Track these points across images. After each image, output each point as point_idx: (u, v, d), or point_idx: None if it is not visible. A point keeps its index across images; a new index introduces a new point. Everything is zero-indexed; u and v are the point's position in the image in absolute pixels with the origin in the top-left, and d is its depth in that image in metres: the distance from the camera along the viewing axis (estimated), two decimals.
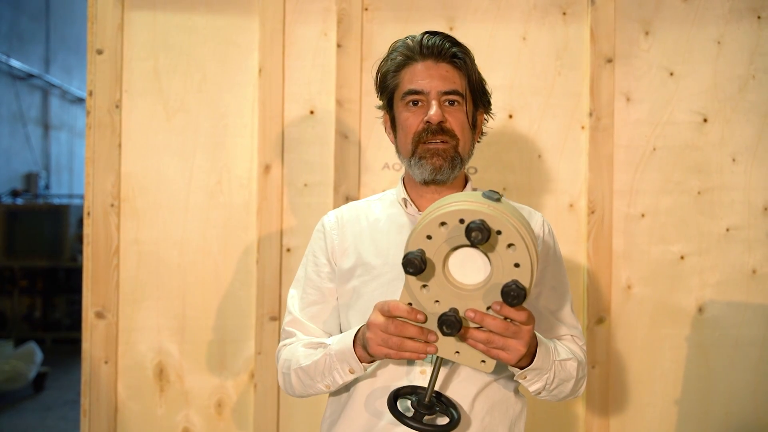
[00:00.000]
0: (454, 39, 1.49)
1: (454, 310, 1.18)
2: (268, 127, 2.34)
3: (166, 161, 2.35)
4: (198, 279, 2.35)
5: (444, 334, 1.17)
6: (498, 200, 1.17)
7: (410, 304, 1.21)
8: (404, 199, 1.52)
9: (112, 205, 2.32)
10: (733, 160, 2.34)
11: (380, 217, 1.54)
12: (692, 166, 2.34)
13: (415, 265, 1.13)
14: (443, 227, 1.15)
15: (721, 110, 2.34)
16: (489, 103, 1.56)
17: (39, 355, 5.81)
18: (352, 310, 1.49)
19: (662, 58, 2.34)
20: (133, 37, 2.35)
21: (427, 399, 1.28)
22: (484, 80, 1.54)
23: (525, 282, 1.15)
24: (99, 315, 2.31)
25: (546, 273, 1.54)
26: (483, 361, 1.25)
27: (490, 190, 1.19)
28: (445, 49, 1.46)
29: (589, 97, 2.33)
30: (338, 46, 2.35)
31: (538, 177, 2.36)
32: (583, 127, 2.35)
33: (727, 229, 2.33)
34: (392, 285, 1.44)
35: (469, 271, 1.18)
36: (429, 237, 1.16)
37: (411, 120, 1.45)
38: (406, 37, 1.51)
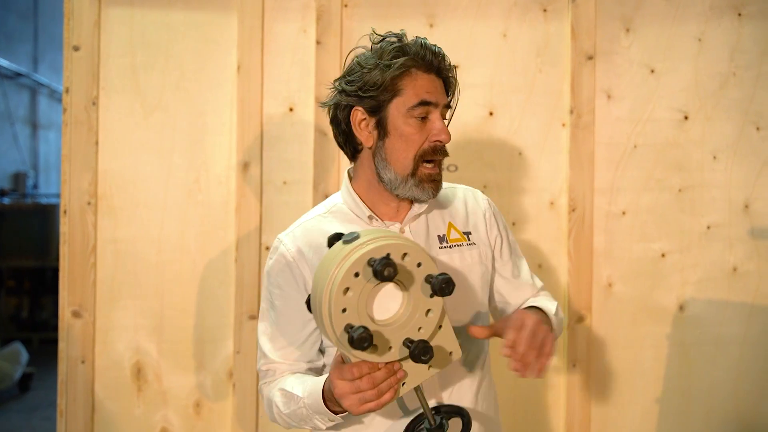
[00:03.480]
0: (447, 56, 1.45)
1: (409, 341, 1.16)
2: (246, 125, 2.32)
3: (144, 159, 2.33)
4: (176, 278, 2.32)
5: (422, 362, 1.15)
6: (355, 238, 1.15)
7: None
8: (370, 216, 1.45)
9: (89, 203, 2.30)
10: (714, 157, 2.33)
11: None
12: (673, 163, 2.33)
13: (368, 339, 1.11)
14: (357, 278, 1.13)
15: (702, 108, 2.33)
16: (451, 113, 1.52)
17: (25, 356, 5.77)
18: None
19: (643, 55, 2.33)
20: (110, 33, 2.32)
21: (433, 422, 1.27)
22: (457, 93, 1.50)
23: (432, 270, 1.16)
24: (75, 314, 2.28)
25: (503, 245, 1.56)
26: (450, 353, 1.25)
27: (348, 234, 1.17)
28: (445, 68, 1.43)
29: (570, 94, 2.32)
30: (317, 42, 2.33)
31: (518, 175, 2.34)
32: (563, 125, 2.34)
33: (708, 227, 2.32)
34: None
35: (388, 304, 1.17)
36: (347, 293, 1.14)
37: (417, 136, 1.38)
38: (397, 38, 1.45)
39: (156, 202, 2.32)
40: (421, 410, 1.29)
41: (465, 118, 2.33)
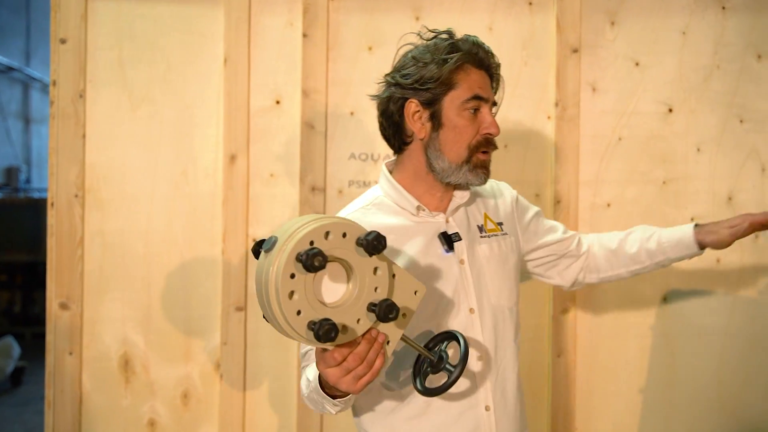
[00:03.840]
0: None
1: (372, 304, 1.18)
2: (233, 118, 2.33)
3: (131, 151, 2.33)
4: (163, 269, 2.33)
5: (391, 320, 1.17)
6: (275, 243, 1.15)
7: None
8: (418, 207, 1.51)
9: (76, 196, 2.30)
10: (698, 149, 2.35)
11: (391, 225, 1.51)
12: (657, 155, 2.35)
13: (333, 328, 1.12)
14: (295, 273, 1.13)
15: (686, 100, 2.35)
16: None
17: (17, 350, 5.77)
18: None
19: (628, 49, 2.35)
20: (97, 26, 2.33)
21: (432, 357, 1.33)
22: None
23: (359, 233, 1.18)
24: (63, 306, 2.29)
25: (539, 219, 1.74)
26: (416, 292, 1.26)
27: (267, 241, 1.17)
28: (494, 66, 1.53)
29: (555, 87, 2.34)
30: (304, 35, 2.34)
31: (504, 167, 2.35)
32: (549, 117, 2.35)
33: (692, 219, 2.34)
34: (438, 286, 1.49)
35: (337, 282, 1.19)
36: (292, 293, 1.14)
37: (470, 128, 1.48)
38: (448, 33, 1.51)
39: (143, 194, 2.33)
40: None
41: None
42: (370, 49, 2.36)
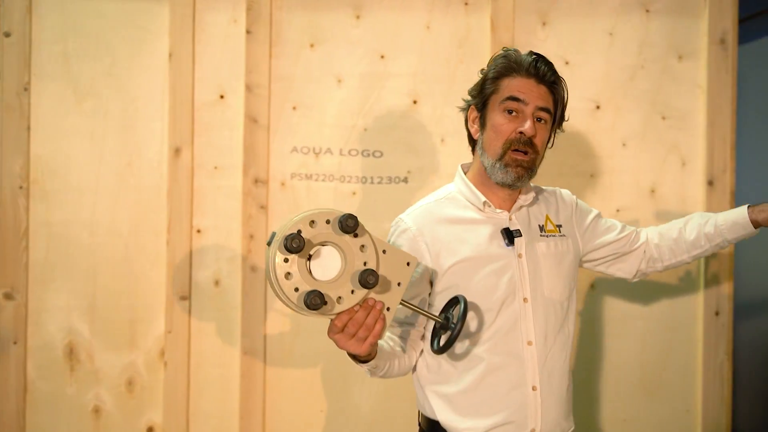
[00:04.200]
0: (555, 68, 1.70)
1: (359, 272, 1.36)
2: (178, 111, 2.39)
3: (76, 144, 2.38)
4: (108, 260, 2.38)
5: (370, 286, 1.36)
6: (274, 235, 1.36)
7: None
8: (485, 202, 1.70)
9: (21, 188, 2.34)
10: (624, 144, 2.47)
11: (461, 217, 1.70)
12: (586, 150, 2.47)
13: (318, 296, 1.31)
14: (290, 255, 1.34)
15: (612, 98, 2.47)
16: (562, 122, 1.79)
17: None
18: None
19: (558, 48, 2.46)
20: (42, 20, 2.36)
21: (439, 319, 1.53)
22: (566, 105, 1.76)
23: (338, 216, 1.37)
24: (7, 296, 2.33)
25: (598, 219, 1.90)
26: (408, 263, 1.45)
27: (270, 236, 1.38)
28: (548, 75, 1.67)
29: None
30: (247, 32, 2.40)
31: (441, 161, 2.46)
32: None
33: (618, 210, 2.46)
34: (497, 276, 1.66)
35: (333, 263, 1.38)
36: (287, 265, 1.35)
37: (505, 127, 1.64)
38: (508, 50, 1.70)
39: (88, 186, 2.38)
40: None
41: (390, 106, 2.44)
42: (311, 46, 2.44)
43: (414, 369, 1.73)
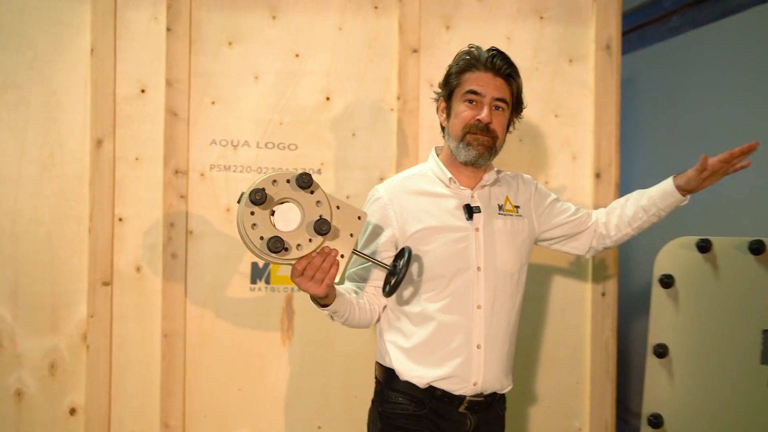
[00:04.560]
0: (511, 60, 1.92)
1: (315, 221, 1.59)
2: (100, 104, 2.49)
3: None
4: (30, 247, 2.46)
5: (324, 232, 1.58)
6: (242, 195, 1.59)
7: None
8: (450, 179, 1.94)
9: None
10: (520, 140, 2.69)
11: (428, 191, 1.95)
12: None
13: (278, 241, 1.54)
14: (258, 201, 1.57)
15: None
16: (521, 110, 2.00)
17: None
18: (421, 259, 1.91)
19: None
20: None
21: (386, 266, 1.79)
22: (522, 94, 1.98)
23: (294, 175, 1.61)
24: None
25: (555, 202, 2.12)
26: (359, 217, 1.69)
27: (240, 195, 1.61)
28: (503, 69, 1.90)
29: (398, 82, 2.63)
30: (168, 29, 2.52)
31: (352, 153, 2.63)
32: (392, 109, 2.64)
33: None
34: (456, 244, 1.89)
35: (294, 217, 1.62)
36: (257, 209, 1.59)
37: (466, 114, 1.89)
38: (471, 47, 1.93)
39: (9, 176, 2.46)
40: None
41: (304, 102, 2.60)
42: (230, 44, 2.57)
43: (378, 322, 1.97)
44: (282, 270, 2.59)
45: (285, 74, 2.60)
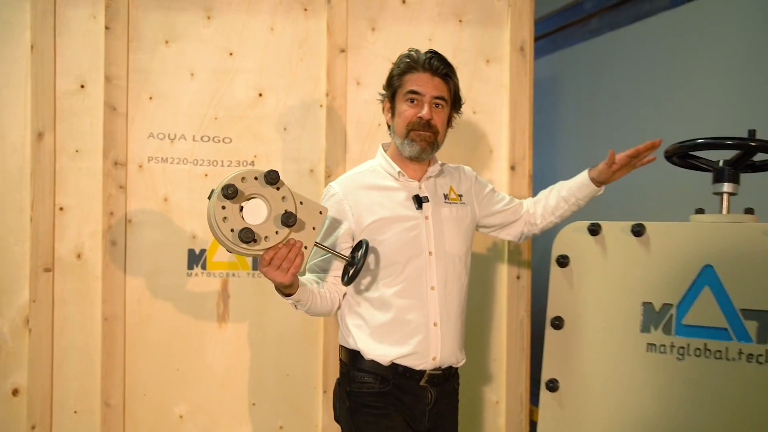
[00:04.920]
0: (448, 61, 2.12)
1: (281, 215, 1.74)
2: (41, 99, 2.60)
3: None
4: None
5: (290, 224, 1.74)
6: (213, 191, 1.75)
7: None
8: (399, 172, 2.12)
9: None
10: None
11: (379, 185, 2.13)
12: None
13: (249, 233, 1.69)
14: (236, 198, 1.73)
15: None
16: (461, 107, 2.20)
17: None
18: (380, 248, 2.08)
19: (385, 50, 2.86)
20: None
21: (345, 257, 1.96)
22: (460, 92, 2.18)
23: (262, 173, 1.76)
24: None
25: (493, 193, 2.33)
26: (320, 212, 1.85)
27: (211, 191, 1.76)
28: (440, 69, 2.08)
29: (326, 80, 2.80)
30: (107, 28, 2.65)
31: (284, 147, 2.80)
32: (321, 106, 2.82)
33: None
34: (408, 232, 2.08)
35: (261, 212, 1.76)
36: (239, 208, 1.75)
37: (408, 112, 2.07)
38: (411, 50, 2.11)
39: None
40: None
41: (238, 98, 2.76)
42: (166, 42, 2.71)
43: (339, 308, 2.13)
44: (218, 256, 2.75)
45: (219, 72, 2.75)
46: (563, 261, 2.12)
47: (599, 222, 2.08)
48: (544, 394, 2.12)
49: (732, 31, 3.63)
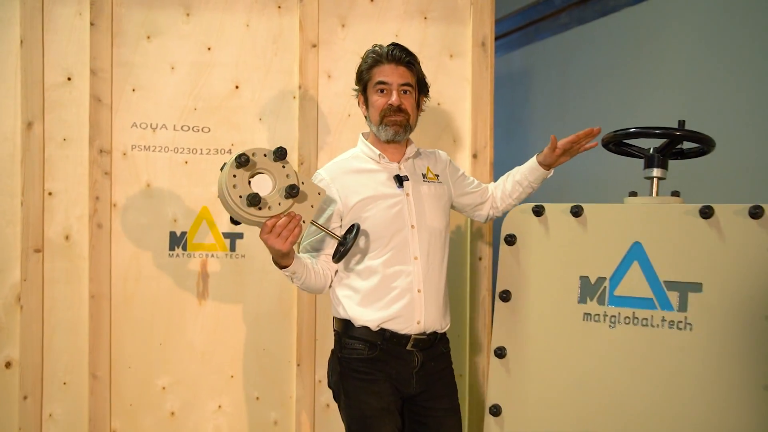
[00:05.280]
0: (409, 50, 2.34)
1: (285, 187, 1.98)
2: (30, 91, 2.78)
3: None
4: None
5: (293, 195, 1.98)
6: (225, 163, 2.00)
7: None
8: (380, 155, 2.34)
9: None
10: None
11: (362, 168, 2.35)
12: None
13: (256, 197, 1.93)
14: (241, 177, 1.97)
15: None
16: (427, 91, 2.42)
17: None
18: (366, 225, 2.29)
19: (354, 46, 3.04)
20: None
21: (337, 237, 2.18)
22: (425, 77, 2.40)
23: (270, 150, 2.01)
24: None
25: (464, 176, 2.57)
26: (319, 193, 2.09)
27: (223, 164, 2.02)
28: (403, 58, 2.30)
29: (299, 74, 2.99)
30: (92, 24, 2.82)
31: (259, 136, 2.99)
32: (294, 97, 3.00)
33: None
34: (391, 209, 2.29)
35: (267, 185, 2.01)
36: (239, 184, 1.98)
37: (379, 102, 2.29)
38: (375, 46, 2.32)
39: None
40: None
41: (216, 90, 2.94)
42: (148, 38, 2.89)
43: (331, 285, 2.34)
44: (198, 238, 2.94)
45: (198, 65, 2.93)
46: (510, 240, 2.32)
47: (543, 204, 2.28)
48: (493, 360, 2.33)
49: (690, 26, 3.83)
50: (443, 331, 2.40)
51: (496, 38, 5.44)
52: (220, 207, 2.81)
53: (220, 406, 2.99)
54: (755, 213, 1.91)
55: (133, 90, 2.89)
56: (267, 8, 2.98)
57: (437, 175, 2.44)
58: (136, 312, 2.92)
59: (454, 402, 2.43)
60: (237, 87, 2.96)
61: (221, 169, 1.96)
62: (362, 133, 2.42)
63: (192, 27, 2.93)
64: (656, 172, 2.21)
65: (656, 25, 4.13)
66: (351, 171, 2.34)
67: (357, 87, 2.40)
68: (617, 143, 2.29)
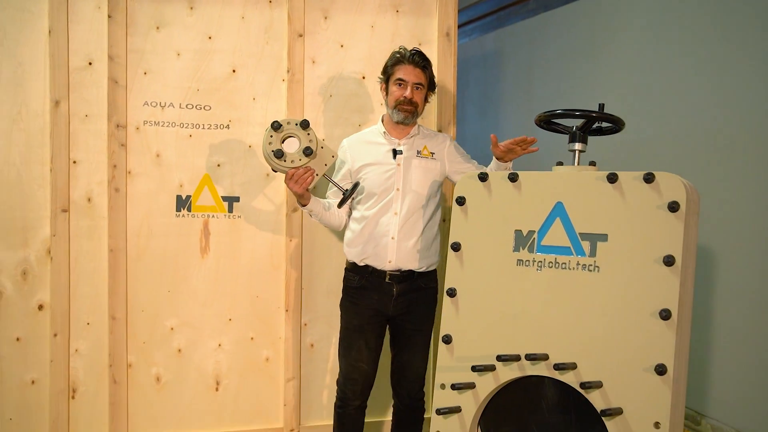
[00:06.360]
0: (426, 56, 2.93)
1: (301, 150, 2.77)
2: (57, 74, 3.24)
3: None
4: (4, 183, 3.22)
5: (309, 154, 2.77)
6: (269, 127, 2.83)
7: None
8: (384, 132, 3.00)
9: None
10: (381, 104, 3.57)
11: (372, 141, 3.03)
12: (355, 107, 3.55)
13: (280, 152, 2.75)
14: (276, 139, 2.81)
15: (375, 71, 3.52)
16: (435, 88, 3.02)
17: None
18: (364, 183, 2.98)
19: (335, 35, 3.51)
20: None
21: (343, 189, 2.92)
22: (434, 78, 3.00)
23: (297, 119, 2.85)
24: None
25: (462, 157, 3.08)
26: (333, 156, 2.92)
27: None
28: (420, 62, 2.90)
29: (287, 60, 3.46)
30: (109, 16, 3.28)
31: (253, 113, 3.46)
32: (283, 80, 3.47)
33: None
34: (384, 173, 2.96)
35: (292, 146, 2.80)
36: (280, 152, 2.79)
37: (397, 93, 2.92)
38: (401, 48, 2.94)
39: None
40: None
41: (216, 74, 3.41)
42: (157, 28, 3.35)
43: (345, 227, 3.06)
44: (201, 201, 3.41)
45: (200, 52, 3.40)
46: (461, 201, 2.79)
47: (486, 171, 2.76)
48: (445, 299, 2.82)
49: (647, 14, 4.26)
50: (420, 270, 2.98)
51: (471, 21, 5.91)
52: (219, 174, 3.31)
53: (220, 345, 3.49)
54: (648, 179, 2.38)
55: (145, 73, 3.35)
56: (260, 2, 3.44)
57: (432, 153, 3.01)
58: (148, 264, 3.40)
59: (425, 326, 3.05)
60: (234, 71, 3.43)
61: (266, 130, 2.77)
62: (383, 115, 3.05)
63: (195, 19, 3.39)
64: (578, 146, 2.68)
65: (613, 13, 4.57)
66: (364, 142, 3.04)
67: (381, 77, 3.00)
68: (547, 122, 2.77)
